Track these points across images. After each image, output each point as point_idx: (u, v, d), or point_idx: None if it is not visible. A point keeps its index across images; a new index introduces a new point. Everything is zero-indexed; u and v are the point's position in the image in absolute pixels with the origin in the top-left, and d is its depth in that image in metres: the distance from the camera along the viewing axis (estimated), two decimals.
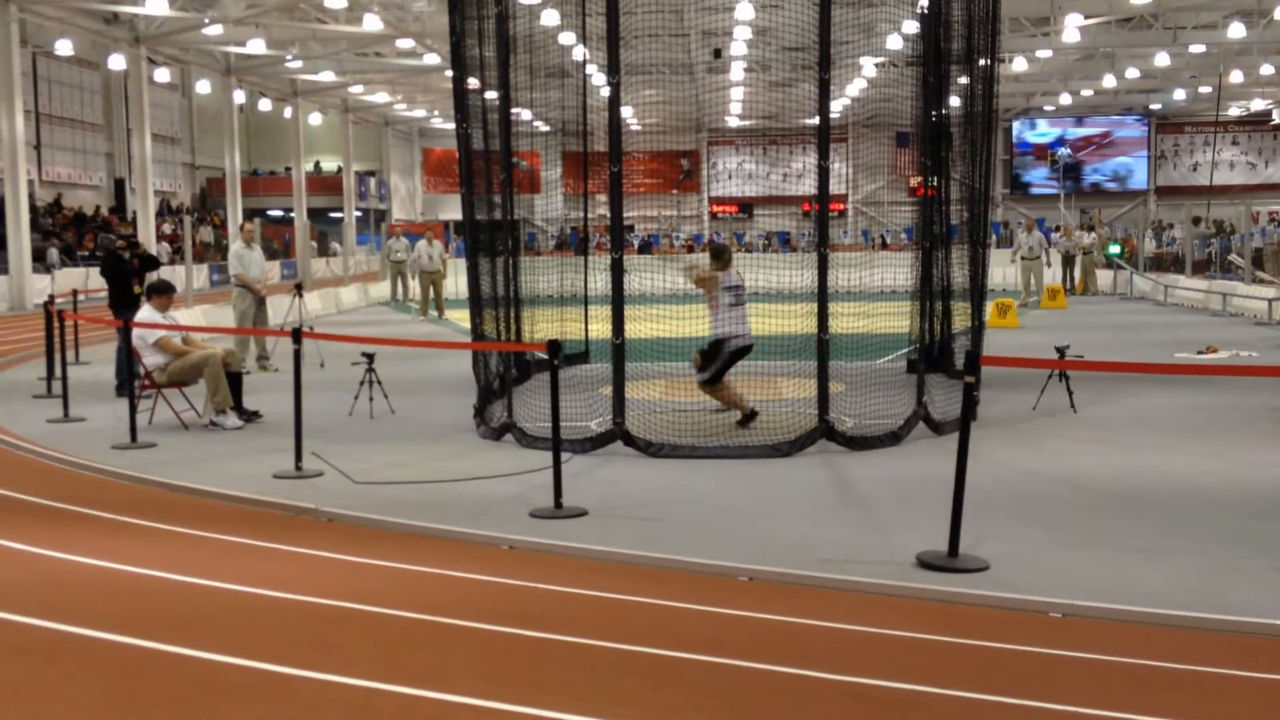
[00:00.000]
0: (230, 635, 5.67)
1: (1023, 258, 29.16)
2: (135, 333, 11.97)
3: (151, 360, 11.97)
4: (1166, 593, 6.16)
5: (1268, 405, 12.33)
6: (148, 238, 36.70)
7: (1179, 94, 52.77)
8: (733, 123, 56.05)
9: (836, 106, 12.39)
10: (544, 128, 15.60)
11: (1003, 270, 31.31)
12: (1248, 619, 5.74)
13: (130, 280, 14.84)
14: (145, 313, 12.44)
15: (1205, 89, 51.38)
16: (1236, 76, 45.69)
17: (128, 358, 12.87)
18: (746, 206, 60.91)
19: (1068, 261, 33.29)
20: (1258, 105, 58.07)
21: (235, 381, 12.17)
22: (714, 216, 61.06)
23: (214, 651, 5.38)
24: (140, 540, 7.78)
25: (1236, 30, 35.48)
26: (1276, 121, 59.78)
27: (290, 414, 9.70)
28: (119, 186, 45.67)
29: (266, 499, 8.69)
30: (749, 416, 11.17)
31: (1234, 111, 60.19)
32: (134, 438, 11.07)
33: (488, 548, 7.42)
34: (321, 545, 7.46)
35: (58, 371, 13.80)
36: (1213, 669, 5.25)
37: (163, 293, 12.60)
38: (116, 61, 36.93)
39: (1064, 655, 5.41)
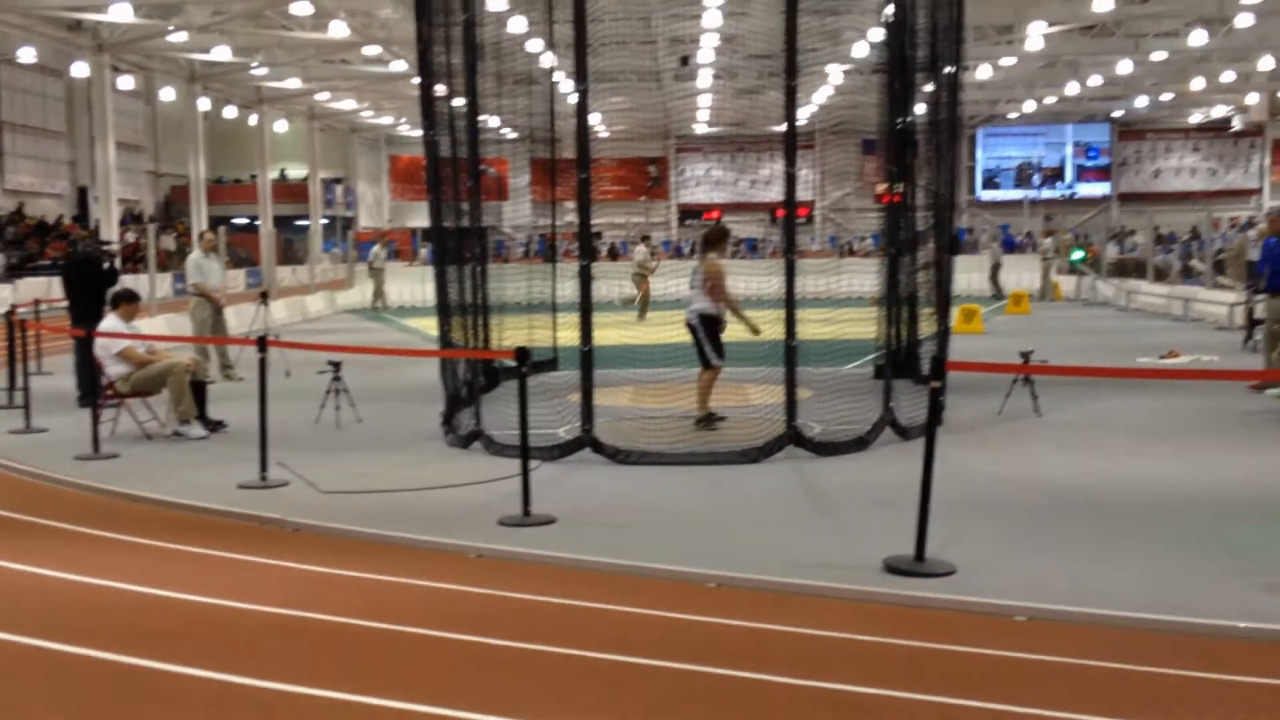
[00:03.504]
0: (195, 647, 5.63)
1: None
2: (98, 342, 11.86)
3: (114, 370, 11.87)
4: (1129, 596, 6.21)
5: (1228, 409, 12.45)
6: (111, 247, 36.42)
7: (1141, 101, 53.25)
8: (701, 129, 56.21)
9: (803, 113, 12.46)
10: (512, 135, 15.59)
11: (968, 276, 31.44)
12: (1209, 621, 5.80)
13: (103, 289, 14.61)
14: (110, 322, 12.33)
15: (1167, 96, 51.88)
16: (1198, 83, 46.14)
17: (89, 368, 12.73)
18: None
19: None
20: (1219, 112, 58.67)
21: (200, 391, 12.09)
22: (682, 223, 61.16)
23: (178, 664, 5.34)
24: (103, 551, 7.72)
25: (1198, 37, 35.85)
26: (1237, 128, 60.41)
27: (255, 423, 9.65)
28: (82, 195, 45.28)
29: (231, 509, 8.62)
30: (707, 419, 11.31)
31: (1195, 118, 60.83)
32: (97, 448, 10.98)
33: (455, 556, 7.40)
34: (287, 555, 7.42)
35: (19, 382, 13.66)
36: (1175, 671, 5.29)
37: (128, 301, 12.49)
38: (79, 69, 36.65)
39: (1029, 658, 5.45)
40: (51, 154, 43.84)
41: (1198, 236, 40.33)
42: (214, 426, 12.07)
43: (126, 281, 16.73)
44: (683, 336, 11.68)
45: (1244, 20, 34.50)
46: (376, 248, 32.10)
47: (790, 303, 10.23)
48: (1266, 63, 41.32)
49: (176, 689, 5.10)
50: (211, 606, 6.34)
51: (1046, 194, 60.04)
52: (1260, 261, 14.48)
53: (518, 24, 18.59)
